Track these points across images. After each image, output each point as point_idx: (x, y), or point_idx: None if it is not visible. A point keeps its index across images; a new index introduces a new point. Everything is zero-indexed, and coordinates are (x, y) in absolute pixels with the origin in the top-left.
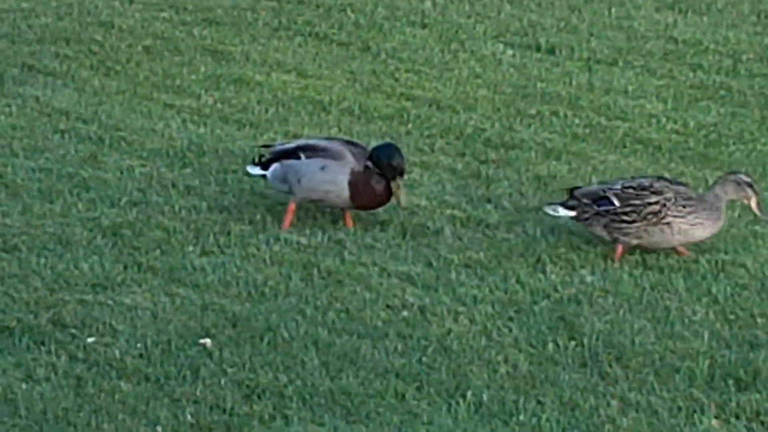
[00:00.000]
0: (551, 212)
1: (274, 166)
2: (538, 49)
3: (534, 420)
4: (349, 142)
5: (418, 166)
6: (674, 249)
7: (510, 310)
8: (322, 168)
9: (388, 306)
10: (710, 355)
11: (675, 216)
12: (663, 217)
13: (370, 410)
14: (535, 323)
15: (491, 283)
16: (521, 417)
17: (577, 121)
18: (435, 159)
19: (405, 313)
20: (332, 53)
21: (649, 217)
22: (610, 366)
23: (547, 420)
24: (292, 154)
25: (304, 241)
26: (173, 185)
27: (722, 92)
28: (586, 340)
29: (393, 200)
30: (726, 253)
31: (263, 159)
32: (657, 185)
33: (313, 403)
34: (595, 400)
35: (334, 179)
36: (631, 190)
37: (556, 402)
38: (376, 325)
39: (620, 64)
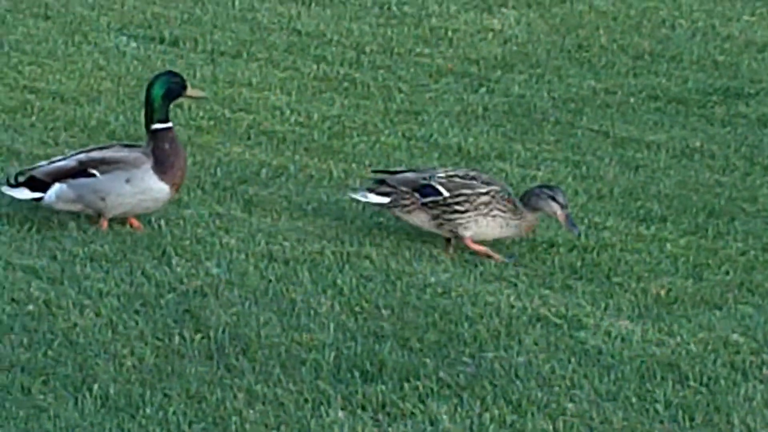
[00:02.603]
0: (361, 198)
1: (58, 186)
2: (162, 41)
3: (161, 413)
4: (125, 145)
5: (42, 159)
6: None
7: (136, 303)
8: (127, 181)
9: (13, 300)
10: (336, 347)
11: (499, 210)
12: (492, 210)
13: None
14: (161, 316)
15: (116, 276)
16: (148, 410)
17: (201, 113)
18: (59, 151)
19: (30, 306)
20: None
21: (481, 207)
22: (237, 358)
23: (174, 413)
24: (80, 172)
25: None
26: None
27: (346, 84)
28: (212, 333)
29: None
30: (351, 245)
31: (20, 179)
32: (484, 176)
33: None
34: (221, 393)
35: (146, 187)
36: (457, 179)
37: (182, 395)
38: (1, 319)
39: (244, 56)
